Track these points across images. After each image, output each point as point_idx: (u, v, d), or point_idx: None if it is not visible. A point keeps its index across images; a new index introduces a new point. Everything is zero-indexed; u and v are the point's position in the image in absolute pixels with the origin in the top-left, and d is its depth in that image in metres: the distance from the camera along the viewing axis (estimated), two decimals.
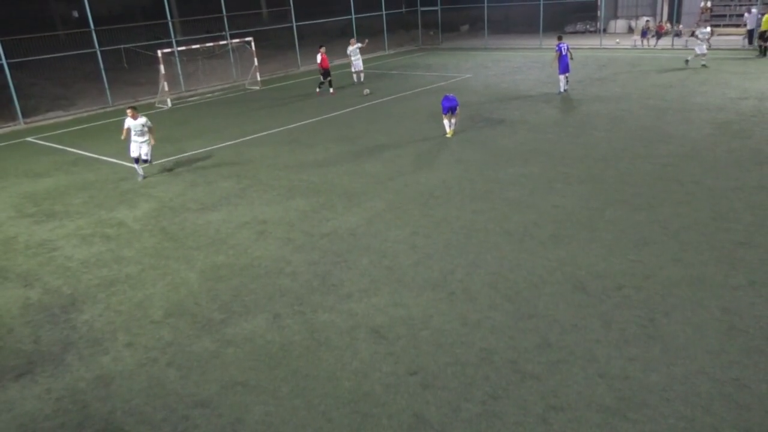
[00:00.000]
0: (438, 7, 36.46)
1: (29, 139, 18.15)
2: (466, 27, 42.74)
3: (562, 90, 18.76)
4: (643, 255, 7.72)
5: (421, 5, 37.00)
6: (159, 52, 21.31)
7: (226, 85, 25.69)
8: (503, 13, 40.33)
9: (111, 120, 19.87)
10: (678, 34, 31.49)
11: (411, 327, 6.49)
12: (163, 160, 14.01)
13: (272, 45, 31.28)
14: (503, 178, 11.16)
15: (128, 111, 12.27)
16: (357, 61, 22.20)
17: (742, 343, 5.75)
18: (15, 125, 20.18)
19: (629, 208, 9.28)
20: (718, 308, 6.38)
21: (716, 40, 28.74)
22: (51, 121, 20.74)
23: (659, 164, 11.31)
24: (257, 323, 6.81)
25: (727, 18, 32.06)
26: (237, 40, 24.87)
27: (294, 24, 29.23)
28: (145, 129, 12.34)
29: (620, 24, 37.42)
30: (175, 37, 25.14)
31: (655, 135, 13.37)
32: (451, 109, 14.15)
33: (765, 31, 23.68)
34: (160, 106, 21.86)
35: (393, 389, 5.51)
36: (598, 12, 35.33)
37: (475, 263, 7.85)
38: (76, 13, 32.50)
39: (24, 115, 20.49)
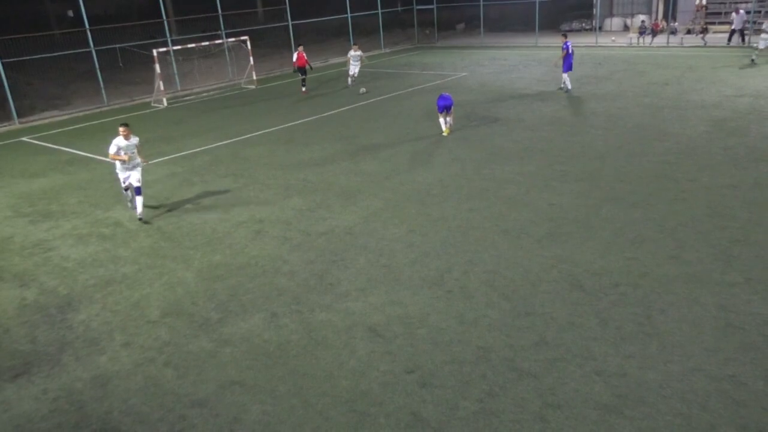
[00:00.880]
0: (434, 6, 36.44)
1: (24, 138, 18.09)
2: (462, 25, 42.73)
3: (569, 87, 18.79)
4: (639, 252, 7.73)
5: (417, 4, 36.98)
6: (155, 52, 21.26)
7: (222, 85, 25.65)
8: (499, 12, 40.31)
9: (107, 120, 19.82)
10: (674, 32, 31.55)
11: (408, 325, 6.49)
12: (157, 160, 13.99)
13: (268, 44, 31.24)
14: (499, 177, 11.17)
15: (120, 129, 9.96)
16: (355, 67, 22.17)
17: (738, 340, 5.77)
18: (10, 125, 20.11)
19: (625, 206, 9.30)
20: (714, 305, 6.40)
21: (711, 38, 28.82)
22: (46, 121, 20.67)
23: (655, 162, 11.33)
24: (254, 322, 6.81)
25: (722, 16, 32.11)
26: (233, 39, 24.82)
27: (290, 23, 29.20)
28: (137, 150, 10.20)
29: (616, 22, 37.46)
30: (171, 36, 25.08)
31: (651, 133, 13.39)
32: (446, 108, 14.15)
33: None
34: (155, 105, 21.82)
35: (390, 388, 5.51)
36: (594, 10, 35.36)
37: (472, 261, 7.86)
38: (71, 13, 32.38)
39: (19, 115, 20.41)
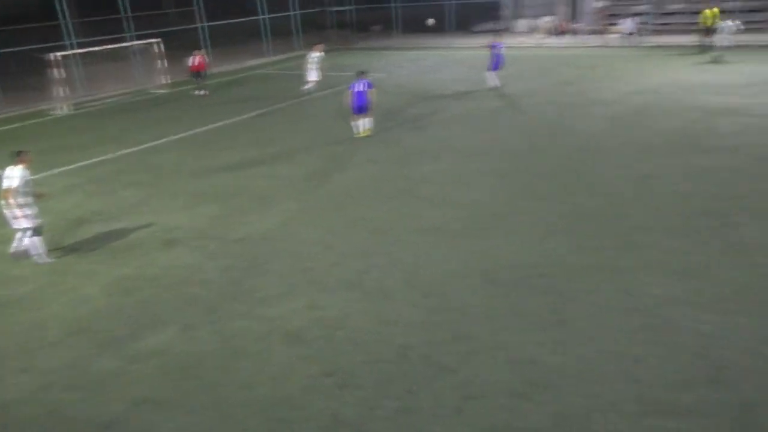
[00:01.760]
0: (351, 7, 36.51)
1: None
2: (378, 27, 43.04)
3: (498, 85, 19.38)
4: (549, 245, 8.05)
5: (334, 5, 36.92)
6: (52, 56, 20.02)
7: (131, 89, 24.52)
8: (413, 13, 40.95)
9: (3, 128, 18.47)
10: (578, 33, 33.17)
11: (327, 328, 6.44)
12: (57, 170, 13.18)
13: (180, 46, 30.21)
14: (416, 176, 11.32)
15: (20, 158, 8.15)
16: (314, 71, 19.76)
17: (639, 322, 6.11)
18: None
19: (537, 200, 9.66)
20: (617, 291, 6.75)
21: (612, 39, 30.52)
22: None
23: (563, 157, 11.85)
24: (166, 336, 6.53)
25: (621, 17, 34.04)
26: (141, 42, 23.80)
27: (202, 25, 28.36)
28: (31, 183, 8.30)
29: (522, 23, 38.92)
30: (72, 38, 23.71)
31: (557, 129, 13.99)
32: (360, 109, 14.04)
33: (708, 28, 25.14)
34: (54, 113, 20.53)
35: (310, 392, 5.44)
36: (503, 12, 36.60)
37: (391, 261, 7.91)
38: None
39: None
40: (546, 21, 34.55)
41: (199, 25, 28.41)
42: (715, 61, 21.52)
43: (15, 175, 8.04)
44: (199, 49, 22.48)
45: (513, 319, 6.35)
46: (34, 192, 8.41)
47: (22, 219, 8.19)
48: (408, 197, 10.22)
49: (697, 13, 32.66)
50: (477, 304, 6.70)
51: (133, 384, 5.76)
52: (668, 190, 9.68)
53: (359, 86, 13.81)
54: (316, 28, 38.31)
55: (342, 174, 11.69)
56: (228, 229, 9.34)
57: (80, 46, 23.01)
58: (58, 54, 20.40)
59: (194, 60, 22.09)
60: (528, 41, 32.61)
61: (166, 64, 23.76)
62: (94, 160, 14.08)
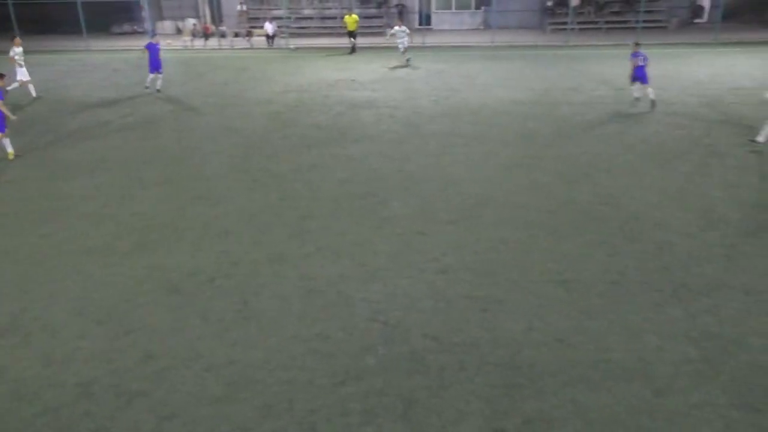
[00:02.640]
0: None
1: None
2: None
3: (157, 88, 18.64)
4: (227, 245, 8.11)
5: None
6: None
7: None
8: (40, 12, 35.99)
9: None
10: (223, 35, 33.73)
11: None
12: None
13: None
14: (72, 193, 10.11)
15: None
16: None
17: (319, 302, 6.64)
18: None
19: (208, 203, 9.60)
20: (296, 277, 7.21)
21: (256, 41, 31.93)
22: None
23: (228, 157, 12.01)
24: None
25: (262, 20, 35.85)
26: None
27: None
28: None
29: (168, 25, 37.86)
30: None
31: (219, 131, 14.11)
32: None
33: (352, 32, 27.64)
34: None
35: None
36: (143, 13, 34.91)
37: (54, 293, 6.92)
38: None
39: None
40: (191, 23, 34.22)
41: None
42: (405, 64, 23.74)
43: None
44: None
45: (202, 325, 6.24)
46: None
47: None
48: (68, 217, 9.07)
49: (330, 18, 36.67)
50: (163, 318, 6.38)
51: None
52: (329, 178, 10.69)
53: None
54: None
55: None
56: None
57: None
58: None
59: None
60: (175, 43, 31.84)
61: None
62: None
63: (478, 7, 38.24)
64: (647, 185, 9.95)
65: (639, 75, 15.45)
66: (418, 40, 29.94)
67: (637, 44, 15.87)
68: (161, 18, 38.42)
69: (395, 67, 23.39)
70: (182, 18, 37.09)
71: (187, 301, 6.72)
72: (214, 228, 8.66)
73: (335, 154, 12.09)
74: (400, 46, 23.74)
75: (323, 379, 5.37)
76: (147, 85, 18.71)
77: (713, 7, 34.48)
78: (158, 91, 18.54)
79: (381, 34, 33.80)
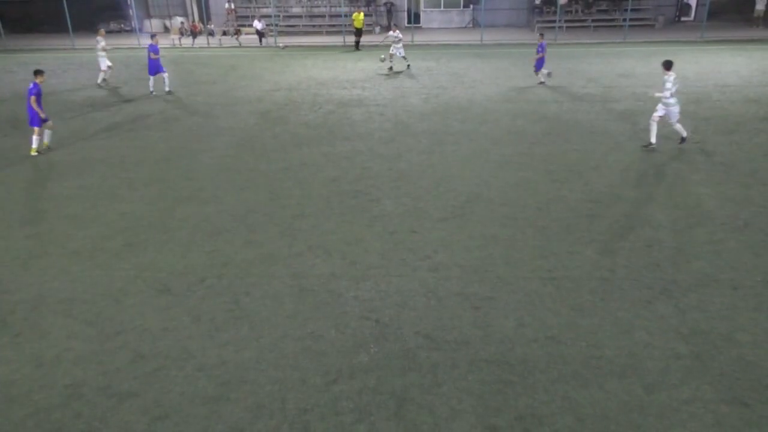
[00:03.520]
0: None
1: None
2: None
3: (166, 90, 18.42)
4: (218, 244, 8.07)
5: None
6: None
7: None
8: (22, 10, 35.63)
9: None
10: (212, 34, 33.55)
11: None
12: None
13: None
14: (60, 194, 10.02)
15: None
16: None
17: (311, 301, 6.63)
18: None
19: (198, 203, 9.55)
20: (288, 276, 7.19)
21: (244, 39, 31.79)
22: None
23: (218, 156, 11.95)
24: None
25: (250, 18, 35.67)
26: None
27: None
28: None
29: (155, 23, 37.59)
30: None
31: (208, 130, 14.03)
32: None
33: (359, 29, 28.00)
34: None
35: None
36: (130, 11, 34.63)
37: (41, 295, 6.86)
38: None
39: None
40: (179, 21, 34.00)
41: None
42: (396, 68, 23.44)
43: None
44: None
45: (194, 325, 6.21)
46: None
47: None
48: (53, 219, 8.99)
49: (318, 16, 36.68)
50: (152, 319, 6.34)
51: None
52: (319, 176, 10.67)
53: None
54: None
55: None
56: None
57: None
58: None
59: None
60: (163, 42, 31.61)
61: None
62: None
63: (466, 6, 38.29)
64: (636, 183, 10.02)
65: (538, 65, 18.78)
66: (407, 38, 29.94)
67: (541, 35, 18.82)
68: (148, 16, 38.15)
69: (387, 71, 23.37)
70: (170, 16, 36.84)
71: (177, 301, 6.69)
72: (204, 227, 8.62)
73: (325, 153, 12.06)
74: (398, 53, 22.91)
75: (316, 377, 5.37)
76: (151, 89, 18.34)
77: (700, 5, 34.79)
78: (169, 92, 18.19)
79: (370, 32, 33.79)
